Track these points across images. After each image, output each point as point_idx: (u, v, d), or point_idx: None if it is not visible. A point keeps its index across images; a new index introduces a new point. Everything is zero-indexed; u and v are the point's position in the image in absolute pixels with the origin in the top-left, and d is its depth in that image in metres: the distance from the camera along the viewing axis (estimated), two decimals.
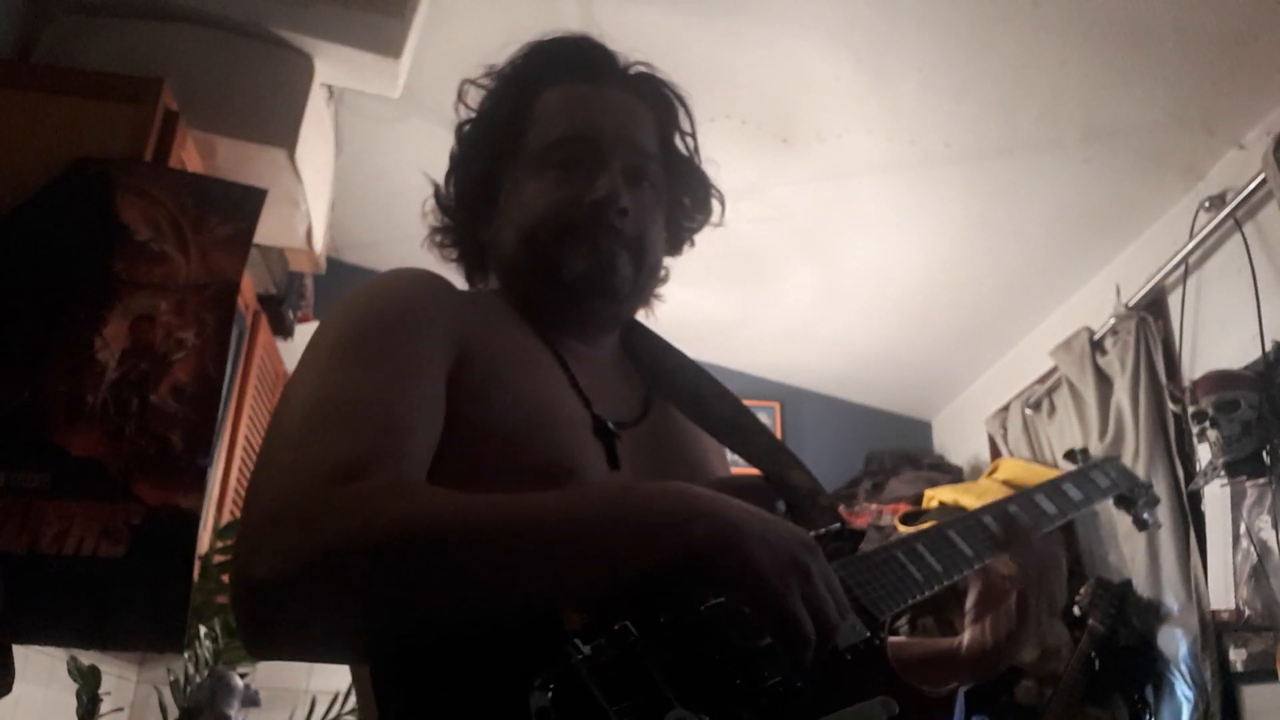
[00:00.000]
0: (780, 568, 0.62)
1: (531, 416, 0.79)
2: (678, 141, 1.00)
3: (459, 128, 1.01)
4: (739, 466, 1.00)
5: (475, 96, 1.02)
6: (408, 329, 0.77)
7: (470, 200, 0.98)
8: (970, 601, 0.96)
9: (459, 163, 1.00)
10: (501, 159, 0.95)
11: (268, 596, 0.59)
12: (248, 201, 1.68)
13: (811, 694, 0.64)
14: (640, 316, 1.03)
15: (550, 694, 0.55)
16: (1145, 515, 1.27)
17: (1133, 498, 1.26)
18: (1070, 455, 1.28)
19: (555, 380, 0.86)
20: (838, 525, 0.79)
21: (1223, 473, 2.09)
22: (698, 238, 1.06)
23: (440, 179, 1.05)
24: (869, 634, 0.72)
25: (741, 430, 0.95)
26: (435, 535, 0.60)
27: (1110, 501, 1.25)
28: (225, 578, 2.06)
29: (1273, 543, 2.01)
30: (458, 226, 1.01)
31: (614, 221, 0.88)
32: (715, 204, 1.04)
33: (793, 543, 0.65)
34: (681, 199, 1.01)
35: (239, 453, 2.60)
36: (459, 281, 0.96)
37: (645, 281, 0.94)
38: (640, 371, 1.00)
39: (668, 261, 1.01)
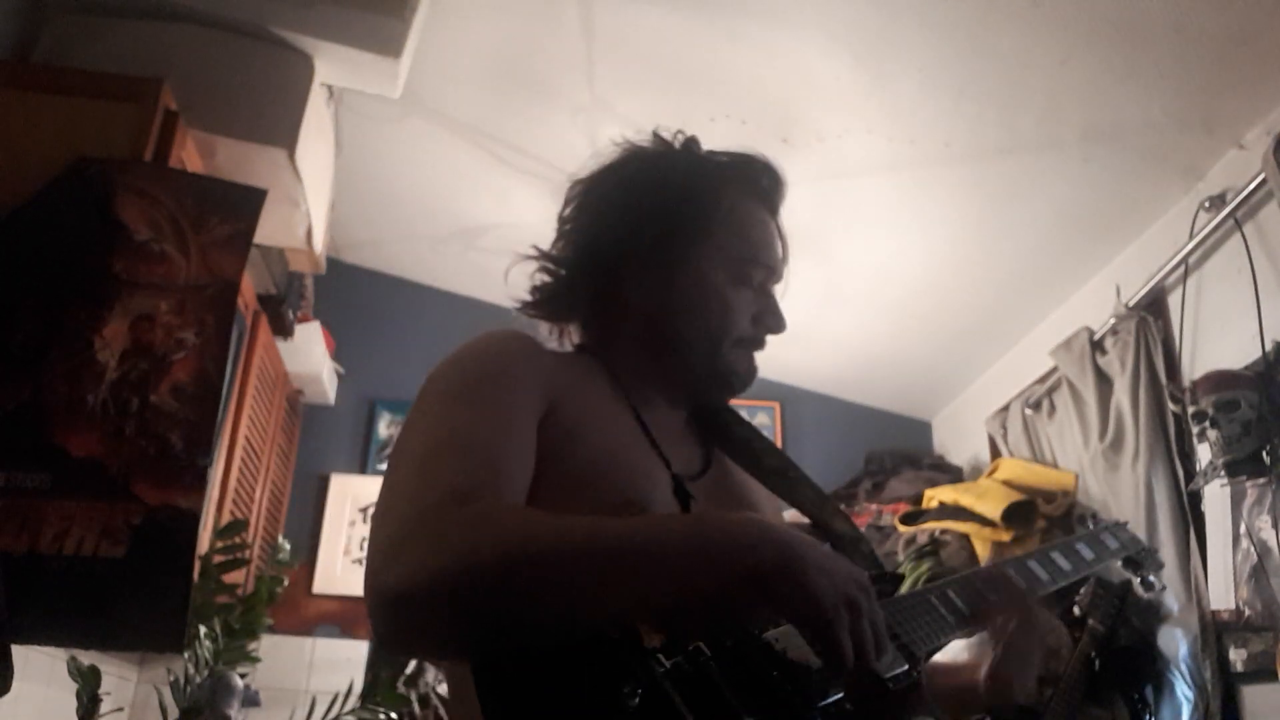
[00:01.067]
0: (835, 598, 0.70)
1: (610, 465, 0.90)
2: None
3: (623, 178, 1.06)
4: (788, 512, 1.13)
5: (635, 165, 1.09)
6: (508, 382, 0.89)
7: (622, 255, 1.03)
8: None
9: (619, 210, 1.04)
10: (683, 237, 1.02)
11: (402, 603, 0.69)
12: (248, 201, 1.68)
13: (859, 716, 0.74)
14: None
15: (638, 699, 0.63)
16: (1152, 578, 1.36)
17: (1140, 560, 1.36)
18: (1081, 519, 1.37)
19: (633, 435, 0.97)
20: (879, 571, 0.88)
21: (1223, 473, 2.09)
22: None
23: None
24: (908, 667, 0.80)
25: (790, 481, 1.06)
26: (540, 547, 0.70)
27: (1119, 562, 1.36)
28: (225, 578, 2.06)
29: (1273, 543, 2.01)
30: (585, 269, 1.05)
31: (764, 342, 1.06)
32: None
33: (849, 578, 0.73)
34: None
35: (239, 453, 2.60)
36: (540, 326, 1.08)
37: None
38: (700, 424, 1.11)
39: None
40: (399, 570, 0.69)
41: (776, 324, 1.06)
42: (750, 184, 1.08)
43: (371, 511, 0.81)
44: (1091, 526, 1.34)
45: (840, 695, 0.72)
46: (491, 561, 0.68)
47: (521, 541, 0.70)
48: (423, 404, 0.88)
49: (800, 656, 0.73)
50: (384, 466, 3.95)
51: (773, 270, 1.07)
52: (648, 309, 1.03)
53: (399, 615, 0.70)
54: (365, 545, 0.78)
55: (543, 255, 1.07)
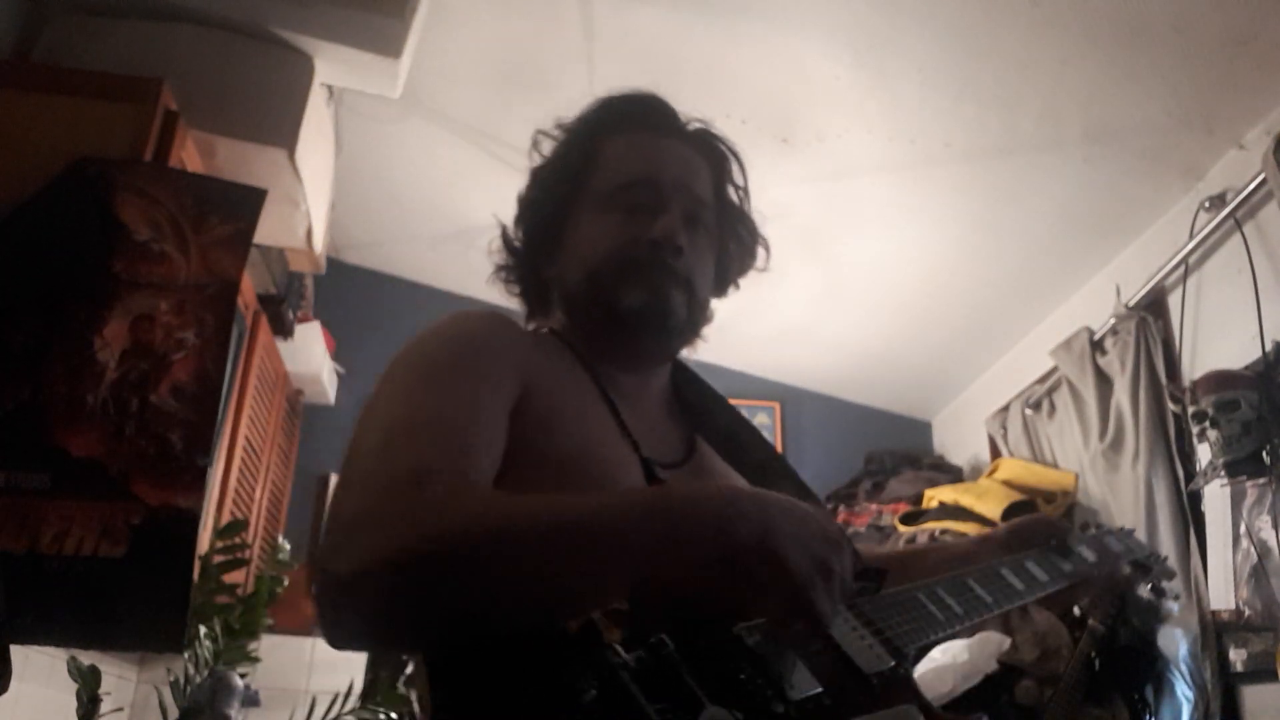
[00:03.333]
0: (810, 566, 0.69)
1: (584, 452, 0.86)
2: (730, 192, 1.08)
3: (531, 172, 1.08)
4: None
5: (548, 147, 1.10)
6: (477, 362, 0.85)
7: (537, 239, 1.05)
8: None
9: (528, 204, 1.06)
10: (567, 201, 1.02)
11: (348, 591, 0.65)
12: (248, 201, 1.68)
13: (839, 710, 0.70)
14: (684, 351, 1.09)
15: (594, 692, 0.60)
16: (1164, 584, 1.34)
17: (1148, 565, 1.32)
18: (1084, 527, 1.35)
19: (605, 423, 0.92)
20: (863, 566, 0.86)
21: (1223, 473, 2.09)
22: None
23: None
24: (894, 663, 0.77)
25: (771, 473, 1.01)
26: (500, 529, 0.66)
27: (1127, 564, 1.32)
28: (225, 578, 2.06)
29: (1273, 543, 2.01)
30: (522, 264, 1.07)
31: (669, 259, 0.95)
32: (761, 250, 1.12)
33: (820, 538, 0.71)
34: (730, 244, 1.08)
35: (239, 453, 2.60)
36: (519, 317, 1.05)
37: (695, 318, 1.01)
38: (685, 411, 1.07)
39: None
40: (352, 553, 0.65)
41: (657, 231, 0.95)
42: (620, 119, 1.05)
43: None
44: (1094, 532, 1.30)
45: (819, 690, 0.69)
46: (449, 543, 0.64)
47: (480, 521, 0.66)
48: (388, 382, 0.83)
49: (772, 649, 0.70)
50: None
51: (649, 181, 0.98)
52: (559, 284, 1.02)
53: (349, 600, 0.65)
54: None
55: (503, 242, 1.09)
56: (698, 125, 1.07)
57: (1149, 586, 1.34)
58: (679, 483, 0.92)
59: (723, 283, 1.10)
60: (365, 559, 0.64)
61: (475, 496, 0.71)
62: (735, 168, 1.08)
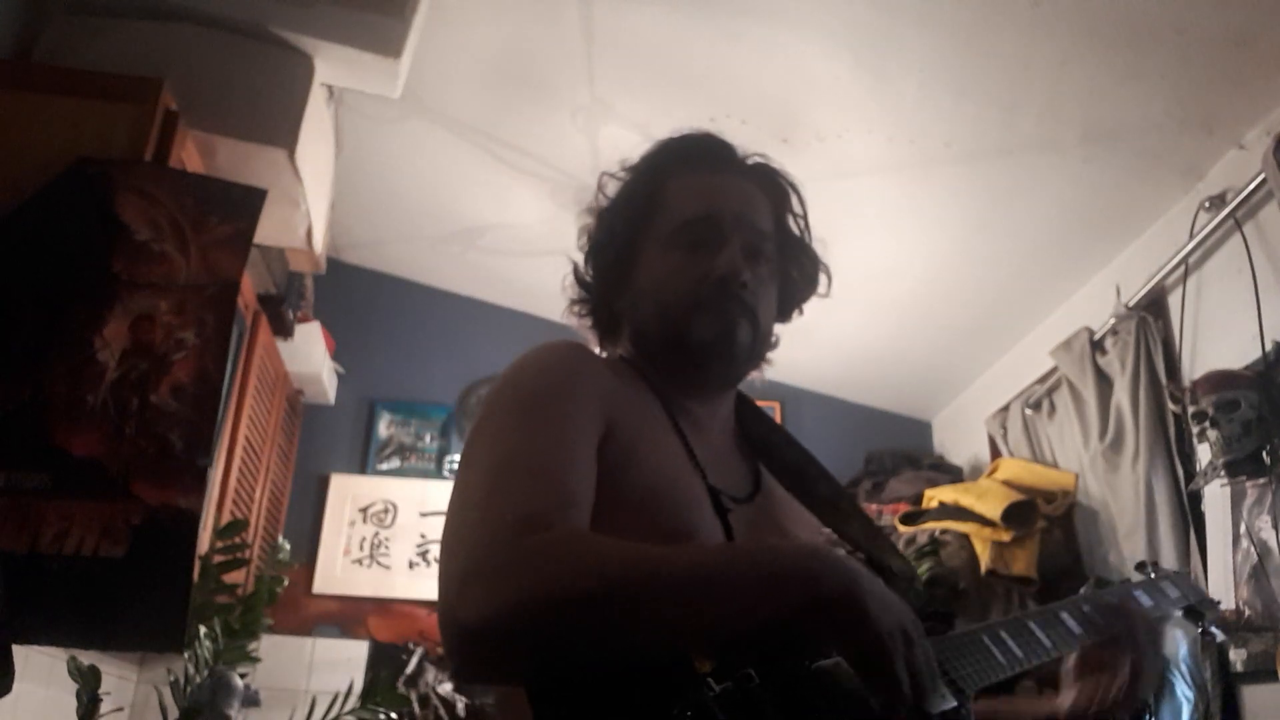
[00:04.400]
0: (892, 631, 0.71)
1: (661, 490, 0.90)
2: (790, 223, 1.12)
3: (598, 213, 1.13)
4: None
5: (613, 187, 1.14)
6: (571, 400, 0.89)
7: (607, 275, 1.10)
8: (1070, 663, 1.06)
9: (598, 243, 1.11)
10: (635, 239, 1.07)
11: (478, 636, 0.70)
12: (248, 201, 1.68)
13: None
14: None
15: None
16: (1214, 629, 1.33)
17: (1201, 610, 1.31)
18: (1140, 566, 1.33)
19: (678, 454, 0.97)
20: (932, 609, 0.89)
21: (1223, 473, 2.09)
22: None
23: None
24: (956, 705, 0.79)
25: (842, 513, 1.05)
26: (614, 578, 0.71)
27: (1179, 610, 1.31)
28: (225, 578, 2.06)
29: (1273, 543, 2.01)
30: (594, 298, 1.12)
31: (736, 293, 1.00)
32: (822, 277, 1.16)
33: (904, 612, 0.74)
34: (792, 273, 1.13)
35: (239, 453, 2.60)
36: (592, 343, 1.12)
37: (759, 345, 1.06)
38: (750, 445, 1.11)
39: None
40: (474, 603, 0.70)
41: (721, 268, 1.00)
42: (681, 160, 1.09)
43: (441, 535, 0.80)
44: (1151, 575, 1.29)
45: None
46: (567, 593, 0.69)
47: (597, 572, 0.71)
48: (486, 423, 0.88)
49: (850, 689, 0.73)
50: (384, 467, 3.96)
51: (711, 218, 1.03)
52: (630, 318, 1.07)
53: (476, 648, 0.71)
54: (436, 572, 0.77)
55: (575, 278, 1.14)
56: (757, 160, 1.11)
57: (1200, 631, 1.32)
58: (772, 537, 0.98)
59: (786, 309, 1.15)
60: (484, 609, 0.69)
61: (586, 544, 0.75)
62: (795, 199, 1.12)
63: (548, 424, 0.85)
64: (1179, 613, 1.29)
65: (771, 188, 1.10)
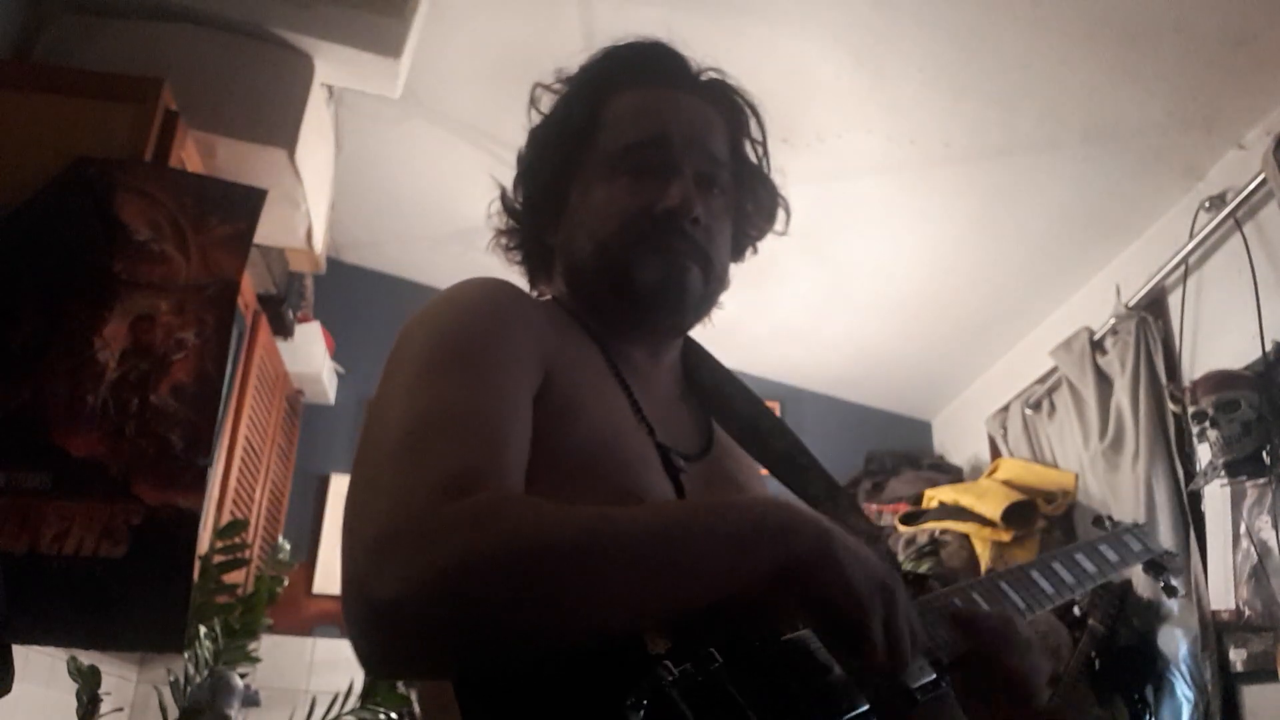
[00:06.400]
0: (871, 589, 0.64)
1: (605, 449, 0.79)
2: (747, 148, 0.99)
3: (530, 132, 0.99)
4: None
5: (547, 101, 0.99)
6: (498, 341, 0.77)
7: (538, 204, 0.97)
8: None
9: (528, 166, 0.98)
10: (571, 162, 0.93)
11: (394, 614, 0.58)
12: (248, 201, 1.68)
13: None
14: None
15: (643, 713, 0.56)
16: (1175, 582, 1.34)
17: (1162, 564, 1.32)
18: (1098, 521, 1.33)
19: (621, 408, 0.85)
20: (905, 572, 0.81)
21: (1223, 473, 2.09)
22: None
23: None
24: (935, 676, 0.73)
25: (799, 469, 0.94)
26: (555, 546, 0.59)
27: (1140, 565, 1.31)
28: (225, 578, 2.06)
29: (1273, 543, 2.01)
30: (524, 229, 0.99)
31: (686, 230, 0.87)
32: (780, 212, 1.03)
33: (883, 569, 0.67)
34: (747, 206, 1.00)
35: (239, 453, 2.60)
36: (522, 283, 0.96)
37: (712, 289, 0.93)
38: (698, 395, 0.99)
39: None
40: (389, 575, 0.57)
41: (671, 199, 0.86)
42: (626, 72, 0.96)
43: (346, 501, 0.67)
44: (1109, 528, 1.29)
45: (866, 707, 0.65)
46: (499, 563, 0.58)
47: (537, 537, 0.59)
48: (400, 368, 0.75)
49: (820, 664, 0.66)
50: None
51: (659, 141, 0.89)
52: (564, 250, 0.94)
53: (391, 631, 0.58)
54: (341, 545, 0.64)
55: (502, 205, 1.01)
56: (712, 75, 0.98)
57: (1161, 585, 1.33)
58: (729, 494, 0.87)
59: (739, 246, 1.01)
60: (403, 582, 0.57)
61: (520, 507, 0.63)
62: (753, 122, 0.98)
63: (477, 371, 0.72)
64: (1141, 565, 1.30)
65: (728, 107, 0.97)
